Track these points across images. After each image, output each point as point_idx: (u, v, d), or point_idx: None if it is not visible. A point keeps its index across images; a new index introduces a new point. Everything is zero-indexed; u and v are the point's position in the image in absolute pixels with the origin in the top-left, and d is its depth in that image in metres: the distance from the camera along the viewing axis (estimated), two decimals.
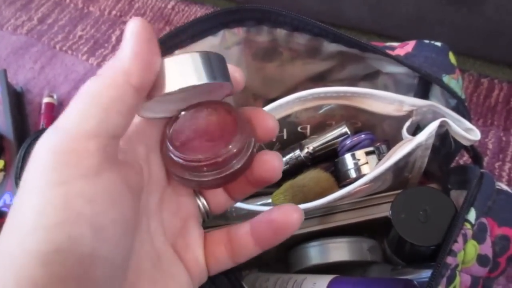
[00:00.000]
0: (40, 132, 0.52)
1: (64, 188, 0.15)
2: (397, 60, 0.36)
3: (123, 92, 0.17)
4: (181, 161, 0.20)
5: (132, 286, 0.18)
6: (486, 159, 0.57)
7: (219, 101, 0.21)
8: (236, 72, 0.21)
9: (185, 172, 0.20)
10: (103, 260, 0.15)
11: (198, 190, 0.23)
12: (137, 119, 0.20)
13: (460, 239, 0.27)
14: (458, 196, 0.35)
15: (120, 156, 0.18)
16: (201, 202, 0.23)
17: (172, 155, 0.20)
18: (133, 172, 0.18)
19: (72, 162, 0.16)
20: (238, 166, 0.20)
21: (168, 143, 0.20)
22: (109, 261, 0.16)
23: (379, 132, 0.44)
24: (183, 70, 0.18)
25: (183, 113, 0.21)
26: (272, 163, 0.21)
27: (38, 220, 0.14)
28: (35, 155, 0.16)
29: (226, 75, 0.20)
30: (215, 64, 0.19)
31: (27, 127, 0.70)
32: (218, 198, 0.23)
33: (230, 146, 0.20)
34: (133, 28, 0.17)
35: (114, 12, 0.85)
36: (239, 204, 0.36)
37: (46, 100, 0.70)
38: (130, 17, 0.83)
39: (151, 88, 0.18)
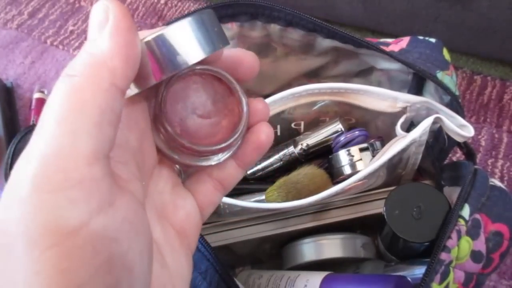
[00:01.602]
0: (30, 128, 0.51)
1: (82, 233, 0.12)
2: (391, 56, 0.35)
3: (111, 98, 0.14)
4: (187, 150, 0.18)
5: None
6: (478, 156, 0.57)
7: (207, 68, 0.18)
8: (249, 56, 0.19)
9: (191, 158, 0.19)
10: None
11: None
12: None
13: (454, 235, 0.27)
14: (451, 192, 0.35)
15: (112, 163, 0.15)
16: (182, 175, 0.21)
17: (176, 145, 0.18)
18: (134, 181, 0.16)
19: (80, 198, 0.13)
20: (242, 137, 0.19)
21: (171, 131, 0.18)
22: None
23: (373, 129, 0.44)
24: (176, 49, 0.16)
25: (170, 87, 0.18)
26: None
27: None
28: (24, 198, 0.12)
29: (223, 37, 0.17)
30: (210, 27, 0.17)
31: (17, 123, 0.69)
32: (228, 171, 0.21)
33: (238, 132, 0.19)
34: (111, 12, 0.14)
35: None
36: (233, 201, 0.36)
37: (36, 95, 0.70)
38: None
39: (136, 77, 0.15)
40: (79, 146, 0.13)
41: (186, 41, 0.16)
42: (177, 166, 0.21)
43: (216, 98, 0.19)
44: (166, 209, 0.19)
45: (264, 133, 0.20)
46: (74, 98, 0.13)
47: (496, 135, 0.58)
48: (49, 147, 0.13)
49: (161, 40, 0.16)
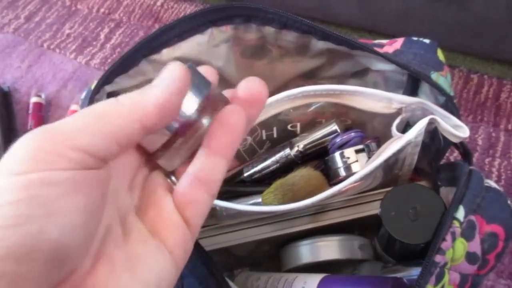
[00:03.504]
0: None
1: (24, 176, 0.15)
2: (385, 57, 0.35)
3: (131, 126, 0.17)
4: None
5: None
6: (476, 155, 0.57)
7: None
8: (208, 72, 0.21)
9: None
10: (52, 242, 0.15)
11: None
12: None
13: (448, 237, 0.27)
14: (448, 193, 0.35)
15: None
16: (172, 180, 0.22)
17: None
18: (105, 172, 0.18)
19: (45, 160, 0.15)
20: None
21: None
22: (59, 244, 0.15)
23: (369, 130, 0.44)
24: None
25: None
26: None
27: None
28: (14, 145, 0.15)
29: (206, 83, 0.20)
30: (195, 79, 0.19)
31: (14, 127, 0.69)
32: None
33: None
34: (171, 73, 0.17)
35: (102, 10, 0.84)
36: (229, 204, 0.36)
37: (34, 99, 0.70)
38: (119, 15, 0.83)
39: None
40: (78, 135, 0.16)
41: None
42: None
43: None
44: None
45: (235, 115, 0.19)
46: (105, 109, 0.17)
47: (493, 134, 0.58)
48: (59, 122, 0.16)
49: None
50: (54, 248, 0.15)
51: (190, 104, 0.19)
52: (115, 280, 0.17)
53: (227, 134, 0.19)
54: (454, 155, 0.56)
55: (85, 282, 0.16)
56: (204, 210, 0.20)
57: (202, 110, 0.19)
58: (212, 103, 0.19)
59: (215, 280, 0.25)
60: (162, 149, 0.20)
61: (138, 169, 0.20)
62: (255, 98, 0.20)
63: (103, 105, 0.17)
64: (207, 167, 0.19)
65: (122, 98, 0.17)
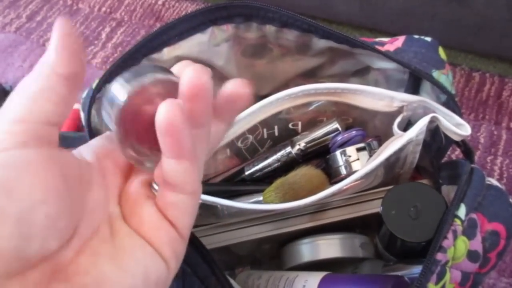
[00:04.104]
0: None
1: None
2: (386, 56, 0.35)
3: (50, 80, 0.17)
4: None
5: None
6: (477, 153, 0.57)
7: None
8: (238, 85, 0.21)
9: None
10: (12, 217, 0.15)
11: None
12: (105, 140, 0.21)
13: (450, 235, 0.27)
14: (449, 191, 0.35)
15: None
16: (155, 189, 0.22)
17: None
18: (75, 165, 0.18)
19: None
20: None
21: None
22: (21, 221, 0.15)
23: (371, 128, 0.44)
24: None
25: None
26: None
27: None
28: None
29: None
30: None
31: None
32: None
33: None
34: (56, 27, 0.18)
35: (103, 9, 0.84)
36: (230, 202, 0.36)
37: None
38: (120, 14, 0.83)
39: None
40: (8, 111, 0.17)
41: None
42: None
43: None
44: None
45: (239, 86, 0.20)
46: (23, 82, 0.18)
47: (495, 132, 0.58)
48: None
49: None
50: (15, 223, 0.15)
51: (121, 91, 0.18)
52: (98, 268, 0.18)
53: (166, 137, 0.18)
54: (455, 153, 0.56)
55: (66, 268, 0.17)
56: (186, 210, 0.20)
57: (148, 98, 0.19)
58: (164, 92, 0.19)
59: (217, 279, 0.26)
60: (145, 158, 0.20)
61: (125, 180, 0.21)
62: (195, 91, 0.18)
63: (20, 83, 0.18)
64: (169, 170, 0.19)
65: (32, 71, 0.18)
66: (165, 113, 0.17)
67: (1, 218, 0.15)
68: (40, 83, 0.17)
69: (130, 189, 0.21)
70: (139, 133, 0.19)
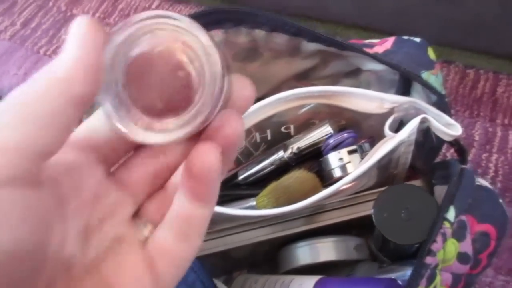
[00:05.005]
0: None
1: None
2: (375, 58, 0.35)
3: (62, 101, 0.14)
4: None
5: None
6: (473, 151, 0.57)
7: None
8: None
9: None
10: None
11: None
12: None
13: (439, 238, 0.27)
14: (442, 191, 0.35)
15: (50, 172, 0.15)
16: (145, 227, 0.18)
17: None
18: (51, 197, 0.15)
19: None
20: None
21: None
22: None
23: (364, 129, 0.44)
24: None
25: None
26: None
27: None
28: None
29: None
30: None
31: None
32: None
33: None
34: (79, 28, 0.14)
35: (97, 15, 0.84)
36: (224, 210, 0.36)
37: None
38: (114, 19, 0.83)
39: None
40: (5, 135, 0.13)
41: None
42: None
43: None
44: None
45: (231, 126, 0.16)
46: (22, 98, 0.14)
47: (490, 129, 0.58)
48: None
49: None
50: None
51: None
52: None
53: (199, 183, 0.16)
54: (451, 152, 0.56)
55: None
56: (181, 263, 0.17)
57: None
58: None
59: (203, 286, 0.25)
60: None
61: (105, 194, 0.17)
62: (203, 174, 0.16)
63: (17, 95, 0.14)
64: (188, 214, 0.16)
65: (34, 76, 0.14)
66: (203, 158, 0.15)
67: None
68: (48, 103, 0.13)
69: (109, 225, 0.17)
70: (153, 87, 0.16)
